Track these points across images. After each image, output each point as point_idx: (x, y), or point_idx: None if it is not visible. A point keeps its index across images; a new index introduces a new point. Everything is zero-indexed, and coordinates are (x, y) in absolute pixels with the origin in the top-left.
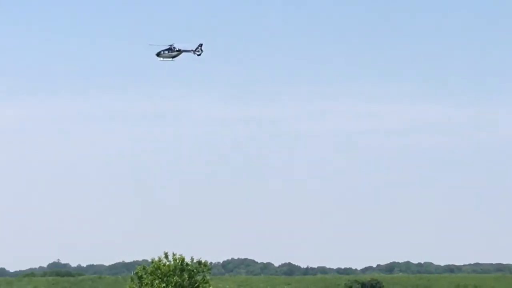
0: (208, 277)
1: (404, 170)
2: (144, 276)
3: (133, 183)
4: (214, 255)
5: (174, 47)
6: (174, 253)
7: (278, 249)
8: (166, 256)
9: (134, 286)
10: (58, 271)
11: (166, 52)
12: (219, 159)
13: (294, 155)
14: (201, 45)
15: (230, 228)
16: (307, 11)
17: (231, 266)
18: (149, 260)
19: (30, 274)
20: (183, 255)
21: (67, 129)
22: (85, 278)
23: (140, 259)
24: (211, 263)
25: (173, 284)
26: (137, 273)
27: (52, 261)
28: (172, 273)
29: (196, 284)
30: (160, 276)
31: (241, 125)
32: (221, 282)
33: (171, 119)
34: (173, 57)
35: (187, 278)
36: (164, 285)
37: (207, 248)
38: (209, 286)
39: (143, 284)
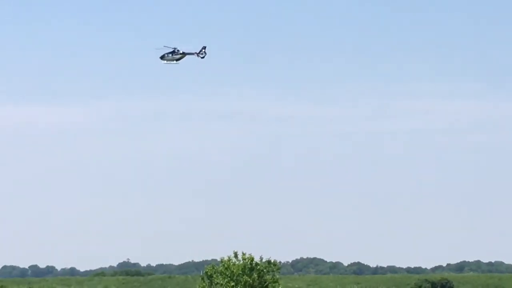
0: (277, 277)
1: (471, 169)
2: (214, 275)
3: (203, 183)
4: (283, 255)
5: (178, 50)
6: (244, 252)
7: (347, 248)
8: (236, 255)
9: (204, 285)
10: (128, 270)
11: (170, 55)
12: (285, 158)
13: (362, 154)
14: (204, 47)
15: (299, 227)
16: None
17: (300, 266)
18: (219, 260)
19: (100, 273)
20: (252, 254)
21: (135, 129)
22: (154, 277)
23: (209, 258)
24: (280, 262)
25: (242, 284)
26: (206, 272)
27: (122, 261)
28: (241, 272)
29: (266, 284)
30: (229, 275)
31: (322, 123)
32: (290, 282)
33: (239, 118)
34: (177, 60)
35: (256, 278)
36: (233, 284)
37: (276, 247)
38: (279, 285)
39: (213, 284)
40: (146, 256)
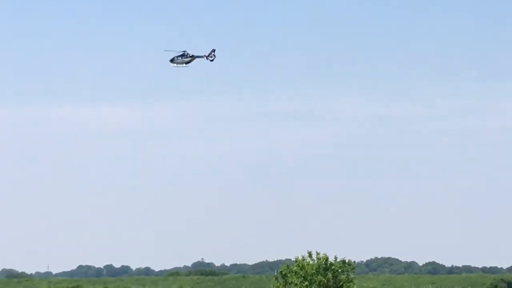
0: (352, 276)
1: None
2: (288, 275)
3: (277, 182)
4: (358, 254)
5: (187, 53)
6: (318, 252)
7: (422, 248)
8: (310, 255)
9: (279, 285)
10: (202, 270)
11: (180, 58)
12: (362, 158)
13: (436, 153)
14: (213, 50)
15: (373, 227)
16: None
17: (375, 265)
18: (293, 259)
19: (174, 273)
20: (327, 254)
21: (215, 129)
22: (229, 277)
23: (283, 258)
24: (354, 262)
25: (317, 283)
26: (281, 272)
27: (196, 260)
28: (316, 272)
29: (340, 283)
30: (304, 275)
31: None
32: (364, 281)
33: (317, 117)
34: (187, 63)
35: (331, 277)
36: (307, 283)
37: (351, 247)
38: (354, 285)
39: (287, 283)
40: (220, 255)
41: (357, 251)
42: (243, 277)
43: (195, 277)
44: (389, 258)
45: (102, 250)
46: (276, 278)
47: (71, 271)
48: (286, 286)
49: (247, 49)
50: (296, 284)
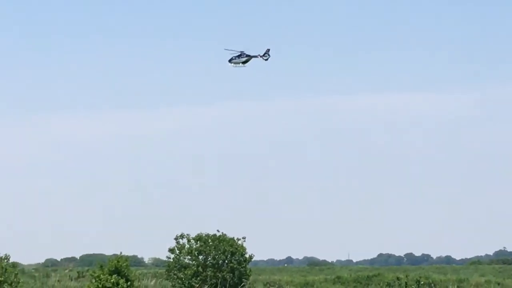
0: None
1: None
2: None
3: None
4: None
5: (244, 53)
6: None
7: None
8: None
9: None
10: (504, 259)
11: (237, 58)
12: None
13: None
14: (268, 50)
15: None
16: None
17: None
18: None
19: (476, 262)
20: None
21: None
22: None
23: None
24: None
25: None
26: None
27: (498, 249)
28: None
29: None
30: None
31: None
32: None
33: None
34: (244, 62)
35: None
36: None
37: None
38: None
39: None
40: None
41: None
42: None
43: (497, 266)
44: None
45: (402, 238)
46: None
47: (371, 259)
48: None
49: None
50: None
